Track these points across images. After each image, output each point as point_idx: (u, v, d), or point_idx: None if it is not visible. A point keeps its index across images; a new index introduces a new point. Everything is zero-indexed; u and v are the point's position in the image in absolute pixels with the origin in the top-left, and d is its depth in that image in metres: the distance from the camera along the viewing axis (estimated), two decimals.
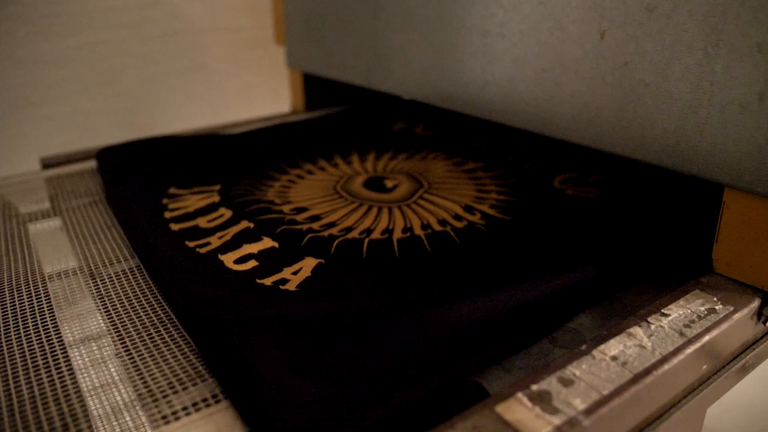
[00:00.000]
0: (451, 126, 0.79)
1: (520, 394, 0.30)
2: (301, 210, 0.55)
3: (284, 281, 0.43)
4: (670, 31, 0.40)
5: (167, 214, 0.54)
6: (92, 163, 0.70)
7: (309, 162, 0.67)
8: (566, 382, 0.31)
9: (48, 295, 0.43)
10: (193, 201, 0.57)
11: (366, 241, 0.49)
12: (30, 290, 0.44)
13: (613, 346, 0.34)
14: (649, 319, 0.36)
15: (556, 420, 0.28)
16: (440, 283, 0.42)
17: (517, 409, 0.29)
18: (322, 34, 0.77)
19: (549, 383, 0.31)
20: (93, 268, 0.47)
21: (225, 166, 0.66)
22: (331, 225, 0.52)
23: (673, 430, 0.34)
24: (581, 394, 0.30)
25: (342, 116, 0.85)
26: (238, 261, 0.46)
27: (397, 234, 0.50)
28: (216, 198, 0.58)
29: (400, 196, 0.57)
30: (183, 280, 0.43)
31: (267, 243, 0.49)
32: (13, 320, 0.40)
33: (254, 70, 1.17)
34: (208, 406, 0.32)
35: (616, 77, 0.45)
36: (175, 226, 0.51)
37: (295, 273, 0.44)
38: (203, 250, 0.47)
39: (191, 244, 0.48)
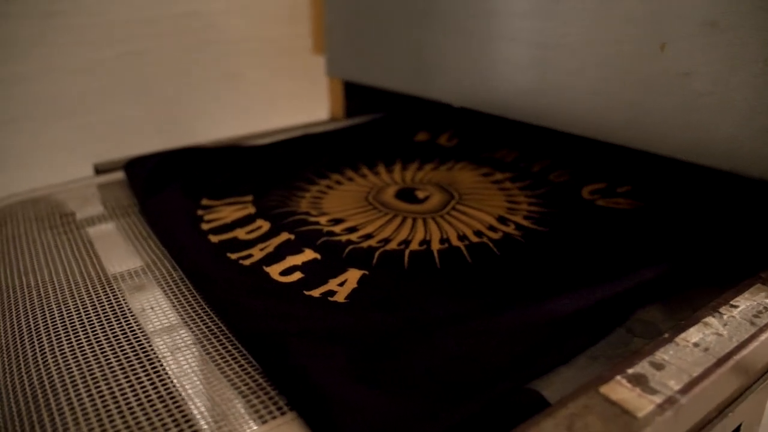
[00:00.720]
0: (475, 136, 0.82)
1: (619, 377, 0.33)
2: (337, 221, 0.57)
3: (332, 293, 0.45)
4: (731, 44, 0.45)
5: (204, 226, 0.56)
6: None
7: (336, 172, 0.70)
8: (658, 366, 0.34)
9: (118, 298, 0.46)
10: (228, 212, 0.59)
11: (406, 252, 0.51)
12: (95, 295, 0.47)
13: (693, 334, 0.37)
14: (720, 310, 0.40)
15: (657, 399, 0.32)
16: (486, 293, 0.44)
17: (620, 390, 0.32)
18: (365, 43, 0.81)
19: (642, 367, 0.34)
20: (134, 279, 0.49)
21: (254, 177, 0.68)
22: (369, 236, 0.54)
23: (746, 412, 0.38)
24: (674, 376, 0.34)
25: (365, 127, 0.88)
26: (283, 273, 0.48)
27: (435, 245, 0.52)
28: (251, 209, 0.60)
29: (433, 207, 0.60)
30: (232, 292, 0.44)
31: (309, 255, 0.51)
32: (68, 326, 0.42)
33: (290, 79, 1.23)
34: (274, 418, 0.34)
35: (677, 86, 0.49)
36: (214, 238, 0.53)
37: (341, 284, 0.46)
38: (247, 262, 0.49)
39: (233, 256, 0.50)
